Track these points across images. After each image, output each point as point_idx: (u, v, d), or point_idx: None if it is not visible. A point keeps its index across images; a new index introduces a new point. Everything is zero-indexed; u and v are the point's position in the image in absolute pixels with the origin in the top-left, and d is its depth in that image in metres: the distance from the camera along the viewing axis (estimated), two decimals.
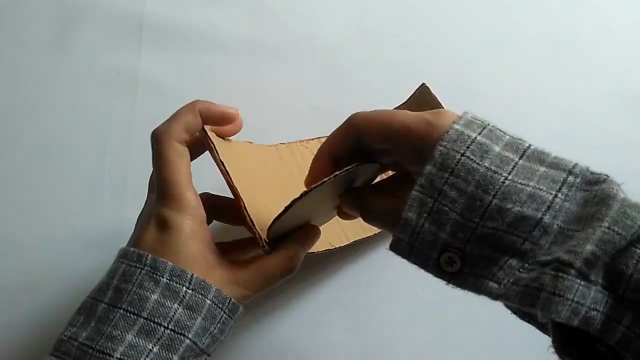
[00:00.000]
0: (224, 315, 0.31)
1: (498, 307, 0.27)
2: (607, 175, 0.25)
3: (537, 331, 0.27)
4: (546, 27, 0.61)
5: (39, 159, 0.51)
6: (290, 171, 0.46)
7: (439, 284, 0.46)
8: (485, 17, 0.61)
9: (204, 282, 0.31)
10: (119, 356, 0.28)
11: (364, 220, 0.32)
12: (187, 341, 0.29)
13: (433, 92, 0.48)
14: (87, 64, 0.56)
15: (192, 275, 0.30)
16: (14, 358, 0.43)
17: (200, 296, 0.30)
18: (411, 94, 0.50)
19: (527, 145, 0.27)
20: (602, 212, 0.23)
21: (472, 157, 0.25)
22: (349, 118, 0.31)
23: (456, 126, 0.27)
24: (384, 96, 0.56)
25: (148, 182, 0.37)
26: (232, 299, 0.32)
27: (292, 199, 0.31)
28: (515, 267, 0.25)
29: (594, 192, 0.24)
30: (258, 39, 0.59)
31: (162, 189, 0.33)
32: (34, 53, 0.57)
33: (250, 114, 0.55)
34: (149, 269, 0.30)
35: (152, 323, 0.29)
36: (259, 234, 0.34)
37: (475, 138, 0.26)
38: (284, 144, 0.49)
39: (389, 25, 0.60)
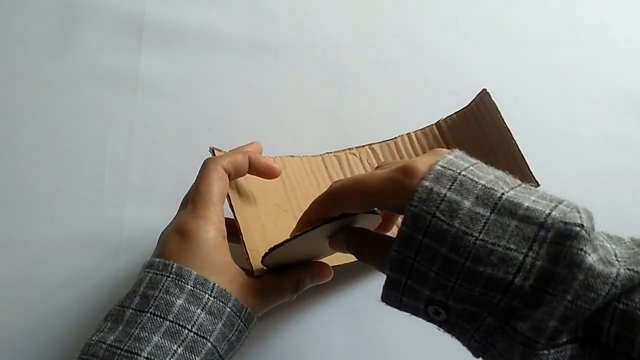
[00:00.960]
0: (241, 323, 0.33)
1: None
2: (580, 225, 0.24)
3: None
4: (546, 27, 0.61)
5: (39, 159, 0.51)
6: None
7: None
8: (485, 17, 0.62)
9: (224, 290, 0.33)
10: (146, 355, 0.29)
11: (359, 260, 0.33)
12: (209, 344, 0.31)
13: (493, 98, 0.47)
14: (87, 64, 0.56)
15: (214, 284, 0.33)
16: (14, 358, 0.43)
17: (221, 303, 0.32)
18: (472, 99, 0.49)
19: (499, 195, 0.26)
20: (567, 282, 0.23)
21: (442, 217, 0.25)
22: (328, 190, 0.32)
23: (425, 183, 0.26)
24: (383, 96, 0.56)
25: (182, 200, 0.39)
26: (249, 309, 0.34)
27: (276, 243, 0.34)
28: (492, 325, 0.26)
29: (565, 250, 0.24)
30: (258, 39, 0.59)
31: (194, 199, 0.36)
32: (34, 53, 0.57)
33: (251, 113, 0.55)
34: (175, 276, 0.32)
35: (177, 326, 0.31)
36: (251, 265, 0.36)
37: (445, 195, 0.26)
38: (330, 153, 0.50)
39: (389, 25, 0.60)
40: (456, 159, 0.28)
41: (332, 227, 0.33)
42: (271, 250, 0.34)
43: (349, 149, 0.51)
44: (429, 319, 0.28)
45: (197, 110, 0.55)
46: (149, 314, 0.31)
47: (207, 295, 0.32)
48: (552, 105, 0.56)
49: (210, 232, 0.34)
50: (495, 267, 0.25)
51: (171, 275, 0.32)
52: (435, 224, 0.26)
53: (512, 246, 0.24)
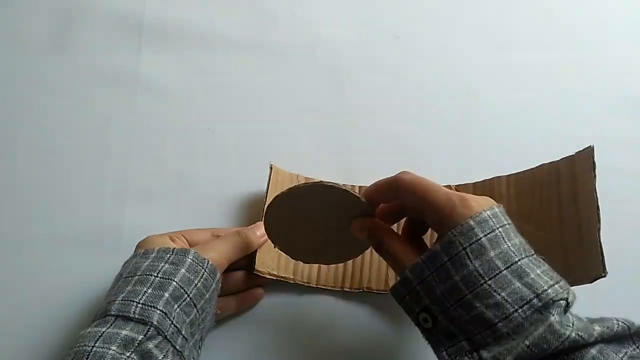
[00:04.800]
0: (205, 272, 0.39)
1: None
2: (565, 299, 0.30)
3: None
4: (546, 27, 0.61)
5: (39, 159, 0.51)
6: None
7: None
8: (485, 17, 0.62)
9: (184, 248, 0.40)
10: (120, 299, 0.36)
11: (375, 250, 0.37)
12: (174, 283, 0.37)
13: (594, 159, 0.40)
14: (87, 64, 0.56)
15: (174, 248, 0.39)
16: (15, 357, 0.43)
17: (181, 256, 0.39)
18: (577, 151, 0.42)
19: (517, 260, 0.31)
20: (530, 332, 0.30)
21: (469, 254, 0.31)
22: (397, 175, 0.36)
23: (471, 222, 0.32)
24: (383, 96, 0.56)
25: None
26: (210, 261, 0.39)
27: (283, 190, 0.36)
28: (465, 348, 0.31)
29: (541, 315, 0.30)
30: (258, 39, 0.59)
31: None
32: (34, 53, 0.57)
33: (251, 114, 0.55)
34: (142, 253, 0.40)
35: (145, 276, 0.37)
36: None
37: (480, 239, 0.31)
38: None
39: (389, 26, 0.60)
40: (500, 214, 0.33)
41: (352, 204, 0.36)
42: (282, 194, 0.36)
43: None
44: (417, 322, 0.33)
45: (197, 110, 0.55)
46: (122, 279, 0.38)
47: (168, 255, 0.39)
48: (552, 105, 0.56)
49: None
50: (488, 308, 0.30)
51: (138, 255, 0.40)
52: (461, 256, 0.31)
53: (509, 299, 0.30)
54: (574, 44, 0.60)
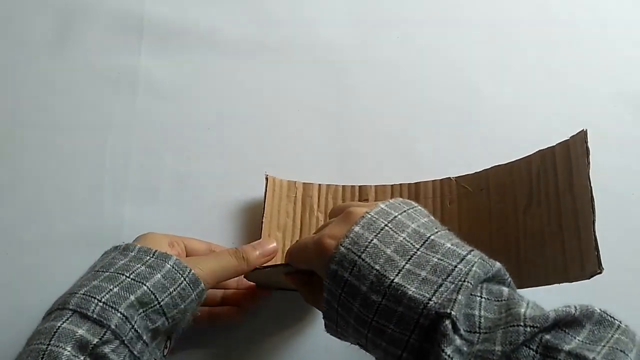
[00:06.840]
0: (185, 282, 0.36)
1: None
2: (447, 315, 0.27)
3: None
4: (546, 27, 0.61)
5: (39, 159, 0.51)
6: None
7: None
8: (485, 17, 0.62)
9: (165, 253, 0.37)
10: (82, 292, 0.34)
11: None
12: (144, 288, 0.34)
13: (587, 142, 0.39)
14: (87, 64, 0.56)
15: (156, 250, 0.37)
16: (15, 356, 0.43)
17: (160, 261, 0.36)
18: (570, 136, 0.41)
19: (389, 283, 0.29)
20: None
21: (348, 298, 0.30)
22: (288, 251, 0.38)
23: (332, 266, 0.31)
24: (383, 96, 0.56)
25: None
26: (193, 271, 0.37)
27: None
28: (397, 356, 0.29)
29: (435, 338, 0.27)
30: (258, 39, 0.59)
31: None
32: (34, 53, 0.57)
33: (251, 113, 0.55)
34: (122, 249, 0.38)
35: (116, 274, 0.35)
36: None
37: (347, 279, 0.30)
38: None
39: (389, 25, 0.60)
40: (365, 229, 0.31)
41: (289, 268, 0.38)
42: (253, 270, 0.41)
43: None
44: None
45: (197, 111, 0.55)
46: (93, 271, 0.36)
47: (148, 257, 0.37)
48: (552, 105, 0.56)
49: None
50: (389, 343, 0.29)
51: (118, 249, 0.38)
52: (343, 301, 0.31)
53: (397, 329, 0.29)
54: (574, 44, 0.60)
